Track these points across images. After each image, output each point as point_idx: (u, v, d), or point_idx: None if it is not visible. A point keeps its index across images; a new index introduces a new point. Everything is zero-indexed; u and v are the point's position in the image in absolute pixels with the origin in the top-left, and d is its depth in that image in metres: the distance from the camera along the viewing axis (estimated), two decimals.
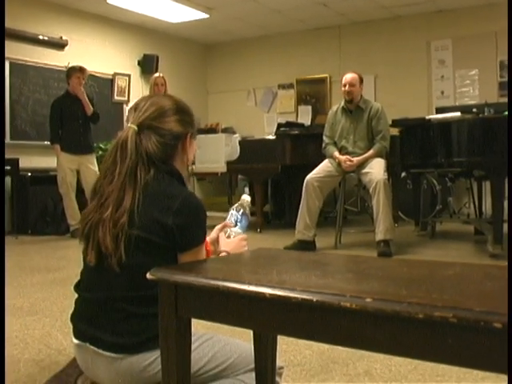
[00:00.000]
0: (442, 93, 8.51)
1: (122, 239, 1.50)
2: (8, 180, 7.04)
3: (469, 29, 8.22)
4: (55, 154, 6.71)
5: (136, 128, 1.59)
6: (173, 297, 1.27)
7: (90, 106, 6.74)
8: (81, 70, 6.78)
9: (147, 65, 9.19)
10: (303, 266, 1.35)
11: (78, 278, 1.67)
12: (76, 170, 6.76)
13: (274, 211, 8.26)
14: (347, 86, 5.47)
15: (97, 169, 6.88)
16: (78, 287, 1.66)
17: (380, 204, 5.12)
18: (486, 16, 8.06)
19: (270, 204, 8.21)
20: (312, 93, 9.65)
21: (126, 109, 9.03)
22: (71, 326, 1.65)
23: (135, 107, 1.65)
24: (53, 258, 5.29)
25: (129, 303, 1.53)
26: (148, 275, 1.31)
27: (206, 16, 8.56)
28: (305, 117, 9.63)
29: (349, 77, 5.53)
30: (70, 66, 7.00)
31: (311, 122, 9.44)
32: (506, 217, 4.86)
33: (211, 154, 7.46)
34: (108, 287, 1.55)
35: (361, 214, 8.55)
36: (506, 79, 7.92)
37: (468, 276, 1.19)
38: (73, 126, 6.72)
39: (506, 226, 4.84)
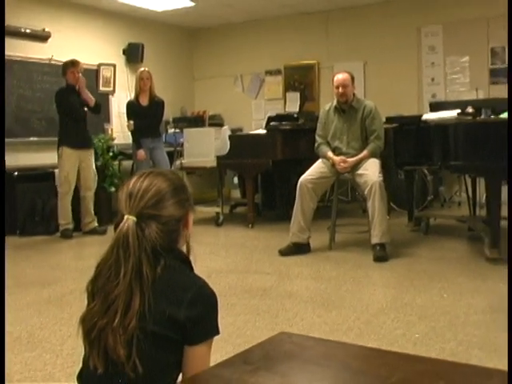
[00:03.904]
0: (433, 79, 8.41)
1: (134, 344, 1.43)
2: None
3: (460, 14, 8.05)
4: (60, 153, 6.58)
5: (135, 219, 1.50)
6: None
7: (92, 97, 6.70)
8: (73, 63, 6.66)
9: (132, 53, 9.01)
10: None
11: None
12: (78, 166, 6.67)
13: (264, 201, 8.17)
14: (340, 88, 5.34)
15: (94, 165, 6.83)
16: (81, 378, 1.55)
17: (376, 207, 5.08)
18: (478, 1, 7.91)
19: (260, 194, 8.12)
20: (300, 79, 9.50)
21: (112, 99, 8.87)
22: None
23: (129, 194, 1.52)
24: (46, 268, 5.20)
25: None
26: None
27: (192, 4, 8.37)
28: (293, 103, 9.52)
29: (340, 77, 5.38)
30: (64, 61, 6.81)
31: (299, 109, 9.34)
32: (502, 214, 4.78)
33: (200, 147, 7.33)
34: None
35: (351, 203, 8.55)
36: (497, 66, 7.84)
37: None
38: (75, 119, 6.64)
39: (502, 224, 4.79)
